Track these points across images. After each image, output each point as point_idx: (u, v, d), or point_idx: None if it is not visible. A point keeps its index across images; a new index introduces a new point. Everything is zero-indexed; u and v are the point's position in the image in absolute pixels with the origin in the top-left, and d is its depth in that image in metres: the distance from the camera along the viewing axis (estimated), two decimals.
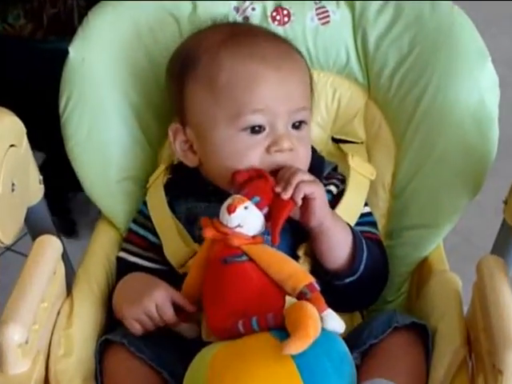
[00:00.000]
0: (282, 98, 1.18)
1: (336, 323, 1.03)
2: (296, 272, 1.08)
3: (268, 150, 1.17)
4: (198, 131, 1.22)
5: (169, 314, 1.13)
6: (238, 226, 1.09)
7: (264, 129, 1.17)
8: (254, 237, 1.10)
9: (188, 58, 1.22)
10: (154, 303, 1.12)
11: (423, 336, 1.11)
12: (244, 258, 1.08)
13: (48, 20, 2.56)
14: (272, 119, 1.17)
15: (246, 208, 1.09)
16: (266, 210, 1.11)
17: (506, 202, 1.22)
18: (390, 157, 1.34)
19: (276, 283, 1.07)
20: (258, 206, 1.10)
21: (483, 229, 1.86)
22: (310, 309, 1.00)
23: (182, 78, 1.22)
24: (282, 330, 1.00)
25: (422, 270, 1.31)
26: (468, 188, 1.28)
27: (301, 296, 1.04)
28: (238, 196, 1.10)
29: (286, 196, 1.10)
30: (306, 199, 1.12)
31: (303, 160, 1.21)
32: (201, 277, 1.13)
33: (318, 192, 1.12)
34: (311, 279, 1.06)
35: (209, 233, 1.10)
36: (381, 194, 1.35)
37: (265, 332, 1.02)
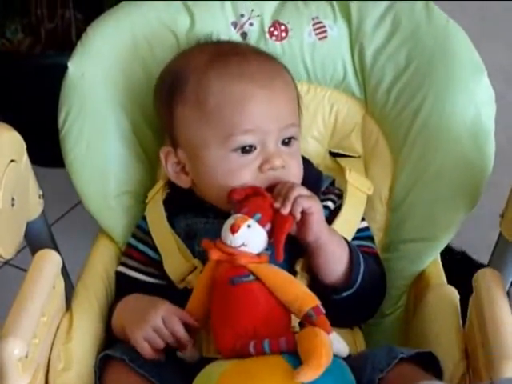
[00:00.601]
0: (271, 116, 1.18)
1: (341, 346, 1.04)
2: (302, 294, 1.08)
3: (260, 168, 1.18)
4: (190, 152, 1.22)
5: (177, 326, 1.12)
6: (243, 245, 1.09)
7: (255, 148, 1.18)
8: (258, 255, 1.11)
9: (175, 80, 1.22)
10: (159, 317, 1.12)
11: (429, 364, 1.09)
12: (251, 277, 1.08)
13: (46, 34, 2.57)
14: (262, 138, 1.18)
15: (249, 226, 1.09)
16: (268, 226, 1.11)
17: (502, 216, 1.23)
18: (387, 171, 1.35)
19: (282, 303, 1.08)
20: (260, 223, 1.10)
21: (479, 242, 1.87)
22: (324, 336, 1.00)
23: (171, 101, 1.22)
24: (293, 354, 1.00)
25: (420, 284, 1.31)
26: (465, 202, 1.28)
27: (306, 318, 1.04)
28: (240, 215, 1.11)
29: (286, 211, 1.11)
30: (303, 214, 1.12)
31: (296, 175, 1.22)
32: (206, 297, 1.12)
33: (315, 207, 1.13)
34: (317, 302, 1.06)
35: (215, 255, 1.10)
36: (378, 207, 1.35)
37: (276, 355, 1.01)
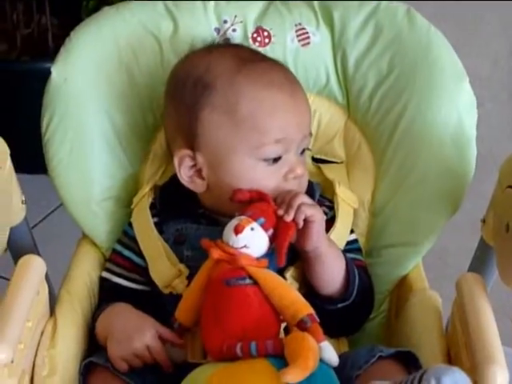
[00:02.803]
0: (297, 126, 1.20)
1: (332, 355, 1.04)
2: (298, 300, 1.09)
3: (285, 177, 1.19)
4: (213, 158, 1.20)
5: (161, 353, 1.13)
6: (245, 246, 1.10)
7: (281, 157, 1.19)
8: (258, 259, 1.11)
9: (199, 84, 1.20)
10: (145, 345, 1.12)
11: (408, 362, 1.11)
12: (247, 281, 1.08)
13: (22, 40, 2.57)
14: (288, 147, 1.19)
15: (252, 229, 1.10)
16: (270, 231, 1.11)
17: (483, 221, 1.24)
18: (369, 176, 1.35)
19: (274, 309, 1.08)
20: (264, 227, 1.11)
21: (457, 248, 1.89)
22: (311, 341, 1.00)
23: (195, 104, 1.20)
24: (279, 358, 1.00)
25: (402, 288, 1.32)
26: (447, 207, 1.29)
27: (301, 324, 1.05)
28: (244, 217, 1.11)
29: (289, 218, 1.12)
30: (305, 222, 1.13)
31: (306, 185, 1.24)
32: (199, 297, 1.12)
33: (317, 215, 1.14)
34: (312, 310, 1.07)
35: (215, 253, 1.09)
36: (360, 212, 1.35)
37: (262, 358, 1.02)
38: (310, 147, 1.26)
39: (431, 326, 1.19)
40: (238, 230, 1.09)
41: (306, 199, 1.15)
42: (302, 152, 1.23)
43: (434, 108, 1.28)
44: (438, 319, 1.20)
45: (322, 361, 1.02)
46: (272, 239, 1.12)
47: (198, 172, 1.22)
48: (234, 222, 1.11)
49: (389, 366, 1.08)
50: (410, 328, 1.22)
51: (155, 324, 1.15)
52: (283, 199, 1.15)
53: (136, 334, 1.13)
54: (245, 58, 1.22)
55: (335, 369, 1.05)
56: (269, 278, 1.10)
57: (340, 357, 1.07)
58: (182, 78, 1.24)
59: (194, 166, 1.22)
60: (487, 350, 1.01)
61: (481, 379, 0.99)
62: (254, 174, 1.18)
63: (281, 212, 1.12)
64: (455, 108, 1.27)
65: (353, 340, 1.29)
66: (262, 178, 1.18)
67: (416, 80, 1.29)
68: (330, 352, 1.04)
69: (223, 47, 1.28)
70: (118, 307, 1.21)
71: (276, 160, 1.19)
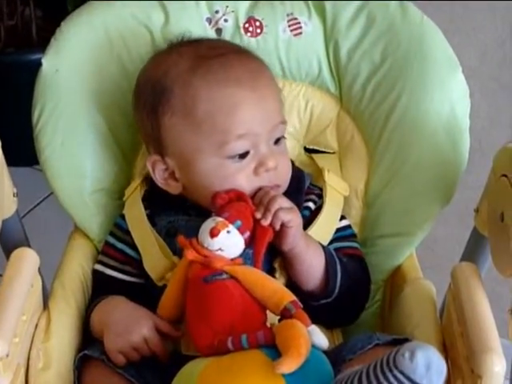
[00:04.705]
0: (262, 118, 1.18)
1: (321, 338, 1.04)
2: (280, 289, 1.09)
3: (255, 171, 1.18)
4: (181, 161, 1.20)
5: (159, 345, 1.13)
6: (219, 249, 1.09)
7: (249, 152, 1.18)
8: (232, 259, 1.11)
9: (158, 89, 1.20)
10: (143, 338, 1.12)
11: None
12: (224, 275, 1.08)
13: (6, 32, 2.55)
14: (255, 141, 1.17)
15: (228, 232, 1.09)
16: (247, 234, 1.11)
17: (476, 211, 1.24)
18: (362, 166, 1.35)
19: (256, 300, 1.08)
20: (240, 230, 1.10)
21: (445, 238, 1.89)
22: (302, 327, 1.00)
23: (156, 110, 1.20)
24: (271, 347, 1.00)
25: (396, 278, 1.33)
26: (440, 197, 1.30)
27: (285, 312, 1.04)
28: (221, 220, 1.10)
29: (266, 223, 1.12)
30: (282, 226, 1.13)
31: (287, 173, 1.23)
32: (179, 296, 1.12)
33: (294, 221, 1.13)
34: (294, 297, 1.06)
35: (190, 255, 1.09)
36: (354, 203, 1.35)
37: (254, 349, 1.01)
38: (284, 135, 1.23)
39: (426, 316, 1.18)
40: (213, 234, 1.09)
41: (285, 203, 1.14)
42: (277, 142, 1.22)
43: (427, 98, 1.28)
44: (433, 309, 1.20)
45: (312, 346, 1.01)
46: (248, 241, 1.11)
47: (172, 174, 1.22)
48: (210, 224, 1.10)
49: (383, 352, 1.08)
50: (405, 318, 1.22)
51: (152, 316, 1.14)
52: (261, 201, 1.15)
53: (133, 327, 1.13)
54: (202, 56, 1.20)
55: (331, 353, 1.06)
56: (247, 272, 1.10)
57: (337, 346, 1.07)
58: (142, 83, 1.25)
59: (167, 169, 1.22)
60: (484, 339, 1.01)
61: (478, 368, 0.99)
62: (223, 172, 1.17)
63: (258, 215, 1.12)
64: (448, 98, 1.27)
65: (347, 330, 1.29)
66: (231, 174, 1.17)
67: (409, 70, 1.29)
68: (318, 335, 1.04)
69: (183, 46, 1.25)
70: (114, 300, 1.20)
71: (243, 156, 1.17)
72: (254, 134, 1.17)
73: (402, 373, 0.90)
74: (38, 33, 2.52)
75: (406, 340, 1.10)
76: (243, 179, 1.17)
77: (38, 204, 2.41)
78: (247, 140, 1.17)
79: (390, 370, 0.91)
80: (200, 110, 1.17)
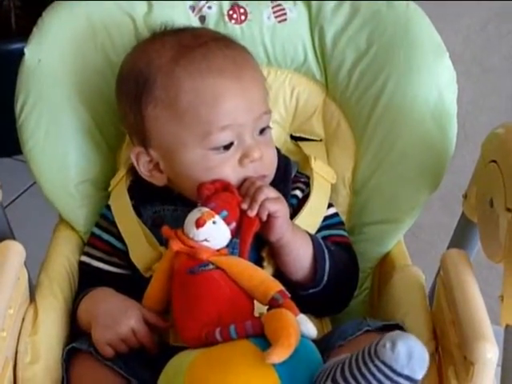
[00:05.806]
0: (246, 108, 1.17)
1: (309, 327, 1.03)
2: (267, 279, 1.08)
3: (240, 162, 1.17)
4: (165, 153, 1.19)
5: (147, 336, 1.12)
6: (205, 240, 1.09)
7: (233, 143, 1.17)
8: (218, 250, 1.10)
9: (141, 80, 1.18)
10: (131, 329, 1.11)
11: None
12: (210, 266, 1.08)
13: None
14: (239, 132, 1.16)
15: (214, 223, 1.09)
16: (233, 225, 1.10)
17: (465, 196, 1.24)
18: (349, 153, 1.35)
19: (244, 290, 1.07)
20: (226, 220, 1.09)
21: (430, 224, 1.89)
22: (291, 317, 1.00)
23: (139, 102, 1.19)
24: (260, 337, 1.00)
25: (385, 266, 1.33)
26: (428, 183, 1.30)
27: (273, 302, 1.04)
28: (207, 210, 1.10)
29: (252, 214, 1.11)
30: (268, 216, 1.12)
31: (272, 163, 1.22)
32: (164, 287, 1.12)
33: (281, 211, 1.13)
34: (282, 287, 1.06)
35: (175, 246, 1.08)
36: (341, 190, 1.35)
37: (243, 339, 1.01)
38: (269, 124, 1.22)
39: (416, 303, 1.18)
40: (199, 224, 1.08)
41: (271, 193, 1.14)
42: (262, 132, 1.21)
43: (414, 83, 1.27)
44: (423, 295, 1.19)
45: (301, 335, 1.01)
46: (234, 232, 1.11)
47: (156, 166, 1.22)
48: (196, 214, 1.09)
49: (374, 338, 1.08)
50: (394, 305, 1.22)
51: (140, 307, 1.14)
52: (248, 191, 1.14)
53: (121, 318, 1.12)
54: (185, 46, 1.18)
55: (320, 341, 1.05)
56: (233, 262, 1.09)
57: (327, 333, 1.06)
58: (125, 73, 1.23)
59: (151, 161, 1.22)
60: (476, 326, 1.00)
61: (470, 355, 0.98)
62: (207, 163, 1.16)
63: (245, 206, 1.11)
64: (435, 83, 1.27)
65: (335, 318, 1.29)
66: (216, 166, 1.16)
67: (395, 56, 1.28)
68: (307, 324, 1.03)
69: (166, 35, 1.23)
70: (101, 291, 1.19)
71: (228, 147, 1.16)
72: (237, 124, 1.16)
73: (383, 363, 0.90)
74: (17, 23, 2.50)
75: (397, 325, 1.10)
76: (228, 170, 1.17)
77: (19, 196, 2.39)
78: (231, 131, 1.16)
79: (372, 361, 0.91)
80: (183, 101, 1.15)
